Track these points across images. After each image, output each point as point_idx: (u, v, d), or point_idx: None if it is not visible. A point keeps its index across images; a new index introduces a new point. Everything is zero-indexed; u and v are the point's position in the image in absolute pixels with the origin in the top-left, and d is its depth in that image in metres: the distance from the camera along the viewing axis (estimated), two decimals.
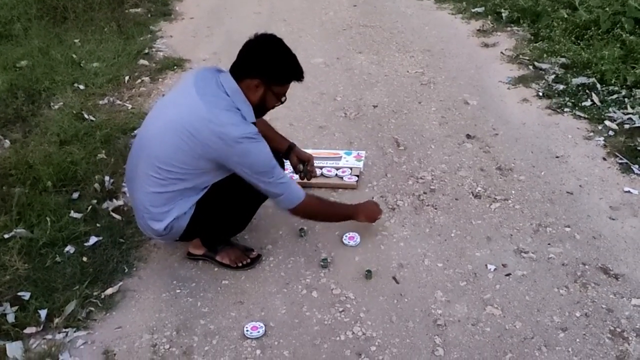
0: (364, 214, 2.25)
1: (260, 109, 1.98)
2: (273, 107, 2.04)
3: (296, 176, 2.44)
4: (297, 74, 1.98)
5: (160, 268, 2.19)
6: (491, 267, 2.14)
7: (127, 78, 3.84)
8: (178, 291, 2.08)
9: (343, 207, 2.30)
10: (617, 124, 3.06)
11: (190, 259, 2.22)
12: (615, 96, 3.32)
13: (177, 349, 1.85)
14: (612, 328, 1.87)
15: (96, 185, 2.62)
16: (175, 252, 2.25)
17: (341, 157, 2.85)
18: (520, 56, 3.98)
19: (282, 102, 2.03)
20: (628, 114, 3.12)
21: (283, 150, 2.37)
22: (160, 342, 1.87)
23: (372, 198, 2.56)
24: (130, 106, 3.46)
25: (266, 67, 1.91)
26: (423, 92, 3.56)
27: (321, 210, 2.16)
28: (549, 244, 2.25)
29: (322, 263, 2.18)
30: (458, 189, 2.61)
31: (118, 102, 3.53)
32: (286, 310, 1.99)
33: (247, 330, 1.89)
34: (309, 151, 2.86)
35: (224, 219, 2.07)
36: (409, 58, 4.07)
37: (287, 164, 2.40)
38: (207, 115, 1.83)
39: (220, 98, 1.88)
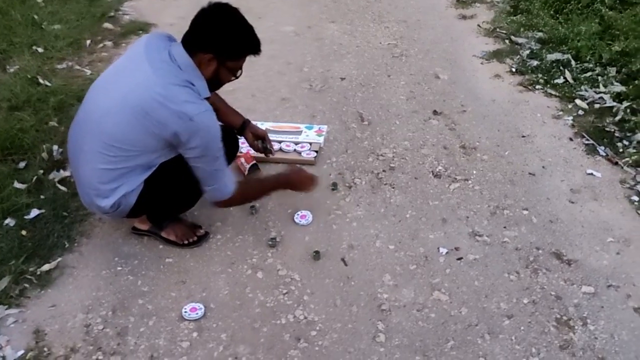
0: (295, 184, 2.17)
1: (214, 83, 1.89)
2: (229, 82, 1.94)
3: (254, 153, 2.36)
4: (252, 47, 1.86)
5: (103, 244, 2.12)
6: (443, 250, 2.08)
7: (88, 42, 3.68)
8: (119, 268, 2.01)
9: (271, 183, 2.17)
10: (588, 103, 2.99)
11: (135, 234, 2.14)
12: (588, 74, 3.23)
13: (111, 329, 1.78)
14: (558, 316, 1.83)
15: (44, 154, 2.52)
16: (120, 227, 2.17)
17: (301, 131, 2.75)
18: (497, 30, 3.86)
19: (236, 77, 1.93)
20: (600, 92, 3.05)
21: (237, 126, 2.29)
22: (94, 322, 1.81)
23: (330, 175, 2.48)
24: (89, 72, 3.32)
25: (219, 41, 1.80)
26: (394, 64, 3.44)
27: (249, 197, 2.11)
28: (504, 227, 2.20)
29: (270, 242, 2.11)
30: (419, 167, 2.54)
31: (77, 67, 3.39)
32: (229, 291, 1.93)
33: (185, 312, 1.83)
34: (268, 125, 2.79)
35: (173, 197, 1.99)
36: (384, 29, 3.94)
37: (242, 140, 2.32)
38: (163, 92, 1.73)
39: (174, 73, 1.78)
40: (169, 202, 2.01)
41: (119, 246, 2.10)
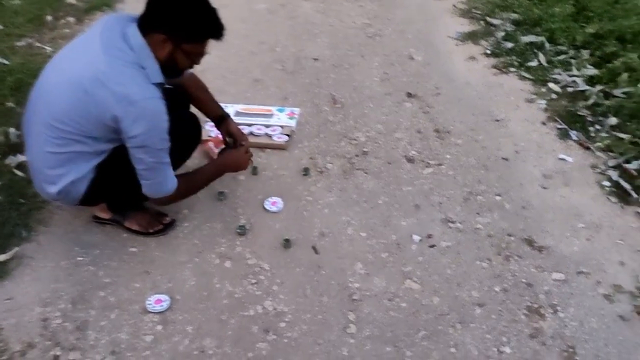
0: (231, 166, 2.08)
1: (170, 68, 1.74)
2: (189, 67, 1.82)
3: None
4: (212, 31, 1.72)
5: (63, 232, 2.02)
6: (416, 237, 2.05)
7: (50, 18, 3.51)
8: (79, 259, 1.92)
9: (208, 171, 2.02)
10: (561, 87, 2.97)
11: (98, 223, 2.05)
12: (562, 57, 3.21)
13: (71, 323, 1.71)
14: (529, 304, 1.82)
15: (0, 137, 2.39)
16: (80, 215, 2.08)
17: (273, 114, 2.67)
18: (473, 10, 3.81)
19: (196, 63, 1.80)
20: (573, 76, 3.03)
21: (213, 118, 2.17)
22: (52, 315, 1.73)
23: (301, 160, 2.42)
24: (50, 49, 3.17)
25: (172, 20, 1.66)
26: (367, 45, 3.37)
27: (187, 192, 1.94)
28: (477, 214, 2.17)
29: (239, 230, 2.05)
30: (392, 152, 2.49)
31: (37, 44, 3.23)
32: (195, 282, 1.86)
33: (149, 304, 1.76)
34: (239, 107, 2.70)
35: (130, 185, 1.88)
36: (358, 7, 3.85)
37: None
38: (105, 71, 1.62)
39: (123, 53, 1.65)
40: (126, 191, 1.87)
41: (80, 235, 2.01)
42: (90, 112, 1.65)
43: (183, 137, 1.91)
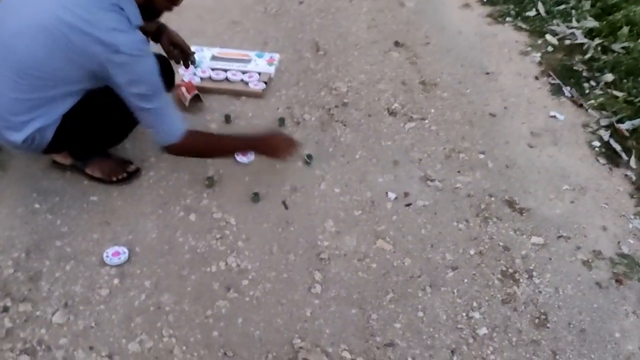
0: (267, 148, 1.92)
1: (148, 11, 1.62)
2: (168, 9, 1.69)
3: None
4: None
5: (20, 177, 1.92)
6: (392, 195, 1.96)
7: None
8: (37, 206, 1.83)
9: (238, 141, 1.91)
10: (558, 39, 2.82)
11: (58, 169, 1.94)
12: (562, 6, 3.04)
13: (23, 273, 1.63)
14: (504, 268, 1.75)
15: None
16: (40, 159, 1.97)
17: (251, 59, 2.52)
18: None
19: (176, 4, 1.68)
20: (572, 28, 2.87)
21: (151, 31, 2.03)
22: (4, 264, 1.65)
23: (278, 109, 2.30)
24: None
25: None
26: None
27: (206, 149, 1.85)
28: (458, 172, 2.07)
29: (207, 182, 1.95)
30: (374, 103, 2.36)
31: None
32: (157, 235, 1.78)
33: (107, 256, 1.68)
34: (215, 50, 2.55)
35: (97, 132, 1.78)
36: None
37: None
38: (86, 16, 1.49)
39: None
40: (93, 138, 1.80)
41: (38, 181, 1.91)
42: (73, 60, 1.54)
43: None
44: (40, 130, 1.66)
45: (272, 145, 1.93)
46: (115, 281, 1.63)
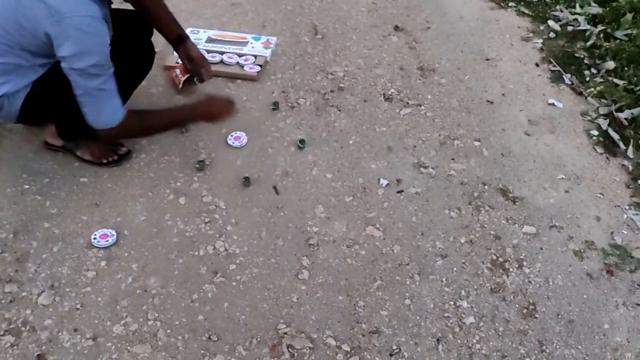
0: (204, 114, 1.84)
1: None
2: None
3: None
4: None
5: (11, 157, 1.91)
6: (384, 181, 1.94)
7: None
8: (26, 187, 1.82)
9: (173, 115, 1.80)
10: (561, 25, 2.77)
11: (49, 150, 1.93)
12: None
13: (10, 254, 1.63)
14: (494, 257, 1.73)
15: None
16: (32, 140, 1.97)
17: (248, 42, 2.49)
18: None
19: None
20: (575, 14, 2.82)
21: (171, 39, 1.97)
22: None
23: (272, 93, 2.27)
24: None
25: None
26: None
27: (142, 129, 1.75)
28: (452, 159, 2.05)
29: (197, 165, 1.93)
30: (370, 89, 2.34)
31: None
32: (146, 218, 1.77)
33: (94, 238, 1.68)
34: (212, 32, 2.52)
35: (68, 105, 1.64)
36: None
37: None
38: None
39: None
40: (65, 112, 1.68)
41: (29, 162, 1.90)
42: (22, 26, 1.49)
43: (132, 61, 1.76)
44: (9, 96, 1.63)
45: (207, 111, 1.84)
46: (103, 263, 1.63)
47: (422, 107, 2.26)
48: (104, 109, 1.58)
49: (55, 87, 1.62)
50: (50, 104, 1.69)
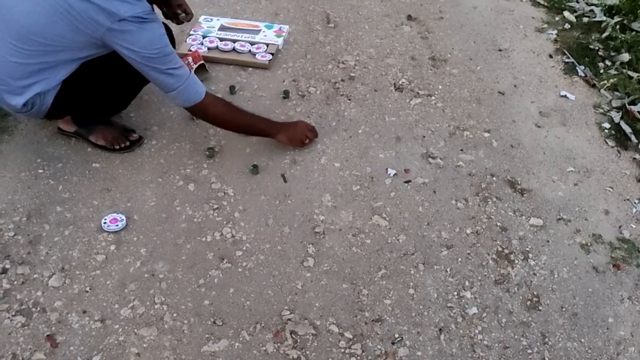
0: (287, 136, 1.94)
1: None
2: None
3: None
4: None
5: (26, 143, 1.95)
6: (392, 171, 1.94)
7: None
8: (40, 171, 1.86)
9: (260, 121, 1.91)
10: (576, 16, 2.73)
11: (63, 135, 1.97)
12: None
13: (23, 237, 1.67)
14: (500, 249, 1.73)
15: None
16: (46, 126, 2.00)
17: (260, 30, 2.50)
18: None
19: None
20: (591, 5, 2.78)
21: None
22: (5, 227, 1.69)
23: (283, 82, 2.28)
24: None
25: None
26: None
27: (227, 117, 1.82)
28: (461, 150, 2.05)
29: (207, 152, 1.96)
30: (380, 78, 2.33)
31: None
32: (155, 203, 1.80)
33: (105, 223, 1.71)
34: (225, 20, 2.54)
35: (98, 99, 1.79)
36: None
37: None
38: None
39: None
40: (94, 104, 1.81)
41: (43, 147, 1.94)
42: (76, 27, 1.55)
43: None
44: (41, 94, 1.68)
45: (295, 134, 1.95)
46: (112, 247, 1.66)
47: (433, 98, 2.25)
48: (187, 87, 1.68)
49: (84, 83, 1.70)
50: (78, 101, 1.75)
